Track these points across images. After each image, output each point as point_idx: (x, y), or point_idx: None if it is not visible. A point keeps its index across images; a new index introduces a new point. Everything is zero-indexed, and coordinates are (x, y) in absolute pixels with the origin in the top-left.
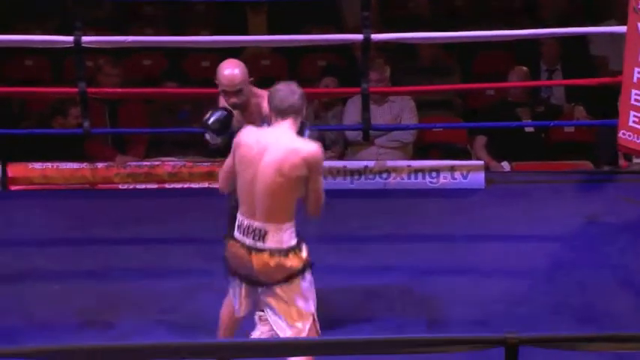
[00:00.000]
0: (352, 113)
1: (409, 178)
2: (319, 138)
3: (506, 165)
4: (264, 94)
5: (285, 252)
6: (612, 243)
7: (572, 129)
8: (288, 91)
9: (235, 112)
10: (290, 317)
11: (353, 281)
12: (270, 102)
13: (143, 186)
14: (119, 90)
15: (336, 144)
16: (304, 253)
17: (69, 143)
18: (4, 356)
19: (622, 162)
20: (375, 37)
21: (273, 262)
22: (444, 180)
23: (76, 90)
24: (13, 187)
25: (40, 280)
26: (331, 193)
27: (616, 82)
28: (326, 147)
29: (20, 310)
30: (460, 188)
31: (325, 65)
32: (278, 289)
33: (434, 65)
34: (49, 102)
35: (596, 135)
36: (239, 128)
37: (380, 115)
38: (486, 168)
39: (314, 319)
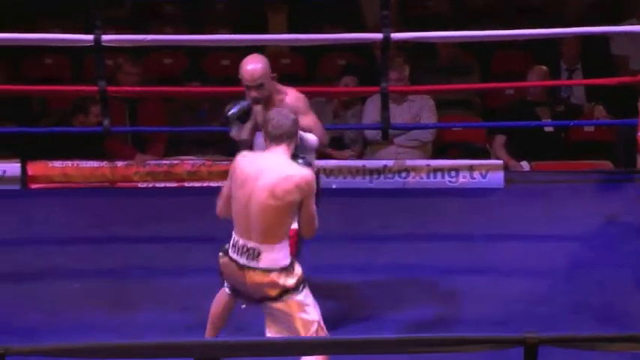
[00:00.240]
0: (371, 112)
1: (428, 177)
2: (311, 165)
3: (525, 164)
4: (288, 90)
5: (279, 271)
6: (632, 243)
7: (592, 128)
8: (282, 117)
9: (258, 107)
10: (294, 330)
11: (372, 280)
12: (264, 129)
13: (162, 184)
14: (139, 88)
15: (355, 143)
16: (298, 270)
17: (89, 141)
18: (25, 354)
19: None
20: (394, 36)
21: (266, 280)
22: (463, 179)
23: (95, 88)
24: (33, 186)
25: (60, 279)
26: (350, 193)
27: (636, 82)
28: (345, 146)
29: (40, 309)
30: (479, 188)
31: (345, 64)
32: (275, 306)
33: (453, 64)
34: (71, 100)
35: (616, 135)
36: (262, 124)
37: (399, 114)
38: (505, 167)
39: (319, 326)
